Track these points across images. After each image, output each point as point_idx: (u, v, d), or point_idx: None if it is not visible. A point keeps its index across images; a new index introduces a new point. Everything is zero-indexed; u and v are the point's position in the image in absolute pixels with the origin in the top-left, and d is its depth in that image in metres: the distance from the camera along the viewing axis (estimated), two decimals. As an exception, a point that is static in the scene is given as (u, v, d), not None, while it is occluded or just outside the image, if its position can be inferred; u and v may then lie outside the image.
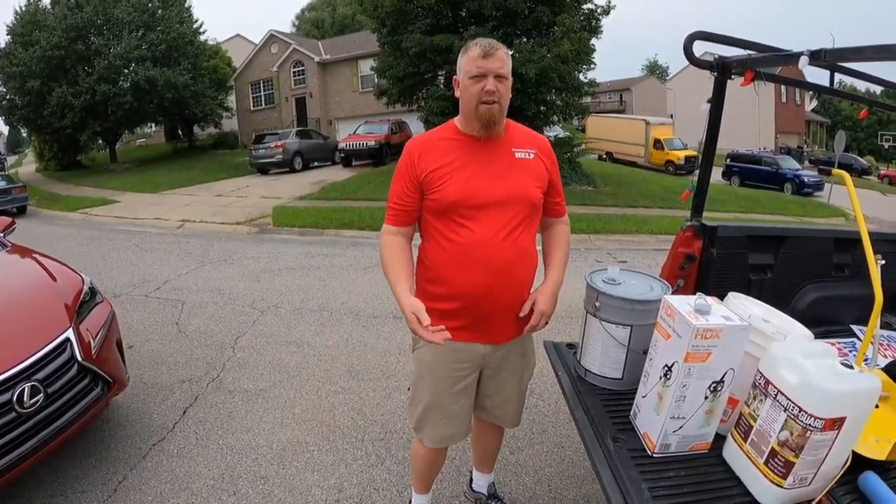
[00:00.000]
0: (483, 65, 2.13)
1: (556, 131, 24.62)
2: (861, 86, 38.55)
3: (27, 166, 40.30)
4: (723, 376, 1.95)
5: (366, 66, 31.26)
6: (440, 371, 2.45)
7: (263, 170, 24.21)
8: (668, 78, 67.28)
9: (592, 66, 18.50)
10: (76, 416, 3.26)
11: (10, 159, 56.00)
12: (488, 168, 2.26)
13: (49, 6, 28.66)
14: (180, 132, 40.71)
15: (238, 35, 46.90)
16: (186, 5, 31.91)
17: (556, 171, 2.48)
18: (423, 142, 2.37)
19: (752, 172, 29.02)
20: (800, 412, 1.71)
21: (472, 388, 2.54)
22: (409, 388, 2.71)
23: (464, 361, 2.44)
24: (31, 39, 26.71)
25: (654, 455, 2.07)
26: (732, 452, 2.00)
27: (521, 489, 3.45)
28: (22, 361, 3.03)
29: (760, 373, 1.91)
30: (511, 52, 13.54)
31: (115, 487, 3.46)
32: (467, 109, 2.24)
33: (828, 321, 3.46)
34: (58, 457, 3.65)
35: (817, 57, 2.40)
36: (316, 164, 25.97)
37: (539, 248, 2.48)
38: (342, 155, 24.92)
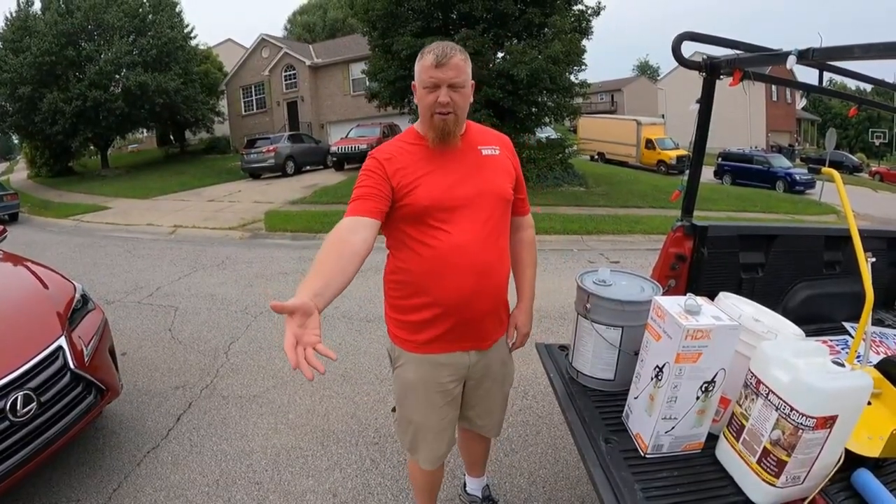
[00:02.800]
0: (435, 75, 2.08)
1: (548, 132, 24.66)
2: (851, 83, 38.77)
3: (19, 173, 40.14)
4: (714, 376, 1.96)
5: (357, 70, 31.26)
6: (426, 389, 2.40)
7: (255, 174, 24.22)
8: (659, 78, 67.48)
9: (583, 67, 18.50)
10: (69, 425, 3.25)
11: (2, 166, 55.86)
12: (458, 169, 2.22)
13: (39, 12, 28.50)
14: (172, 137, 40.57)
15: (229, 39, 46.86)
16: (177, 10, 31.76)
17: (519, 168, 2.46)
18: (388, 149, 2.29)
19: (743, 171, 29.11)
20: (791, 411, 1.71)
21: (457, 400, 2.51)
22: (393, 409, 2.66)
23: (448, 375, 2.39)
24: (22, 46, 26.56)
25: (647, 456, 2.07)
26: (725, 452, 2.01)
27: (515, 491, 3.45)
28: (15, 370, 3.02)
29: (751, 372, 1.91)
30: (502, 54, 13.56)
31: (109, 496, 3.45)
32: (424, 118, 2.21)
33: (820, 319, 3.47)
34: (51, 466, 3.65)
35: (805, 56, 2.41)
36: (308, 168, 26.00)
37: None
38: (334, 158, 24.89)
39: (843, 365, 1.78)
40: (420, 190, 2.17)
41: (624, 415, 2.32)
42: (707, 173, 26.74)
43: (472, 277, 2.19)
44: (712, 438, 2.10)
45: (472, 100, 2.24)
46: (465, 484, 3.30)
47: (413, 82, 2.25)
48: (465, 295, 2.20)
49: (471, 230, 2.18)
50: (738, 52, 2.96)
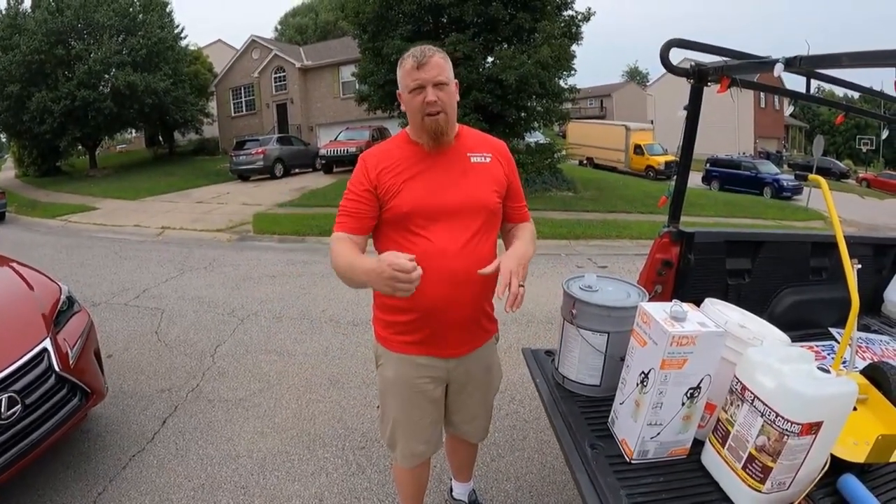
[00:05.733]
0: (418, 76, 2.10)
1: (537, 137, 24.71)
2: (839, 91, 38.97)
3: (6, 172, 39.92)
4: (699, 382, 1.96)
5: (347, 72, 31.21)
6: (404, 387, 2.42)
7: (244, 176, 24.16)
8: (648, 84, 67.78)
9: (573, 72, 18.55)
10: (54, 428, 3.24)
11: (-11, 165, 55.46)
12: (443, 175, 2.23)
13: (29, 10, 28.29)
14: (161, 138, 40.33)
15: (219, 40, 46.70)
16: (168, 10, 31.63)
17: (515, 175, 2.45)
18: (376, 152, 2.33)
19: (731, 177, 29.27)
20: (776, 417, 1.71)
21: (440, 403, 2.52)
22: (378, 406, 2.69)
23: (427, 376, 2.40)
24: (11, 43, 26.33)
25: (632, 461, 2.07)
26: (710, 458, 2.01)
27: (502, 496, 3.45)
28: (-2, 372, 3.00)
29: (737, 378, 1.91)
30: (492, 59, 13.57)
31: (94, 499, 3.43)
32: (414, 122, 2.22)
33: (806, 325, 3.49)
34: (36, 469, 3.62)
35: (792, 64, 2.42)
36: (297, 170, 25.97)
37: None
38: (323, 161, 24.94)
39: (828, 371, 1.79)
40: (402, 196, 2.19)
41: (609, 420, 2.32)
42: (695, 179, 26.88)
43: (449, 286, 2.19)
44: (698, 444, 2.10)
45: (457, 99, 2.25)
46: (451, 489, 3.29)
47: (398, 91, 2.25)
48: (440, 303, 2.21)
49: (450, 238, 2.19)
50: (726, 59, 2.97)
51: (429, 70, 2.09)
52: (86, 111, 27.07)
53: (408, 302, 2.21)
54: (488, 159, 2.32)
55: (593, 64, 56.72)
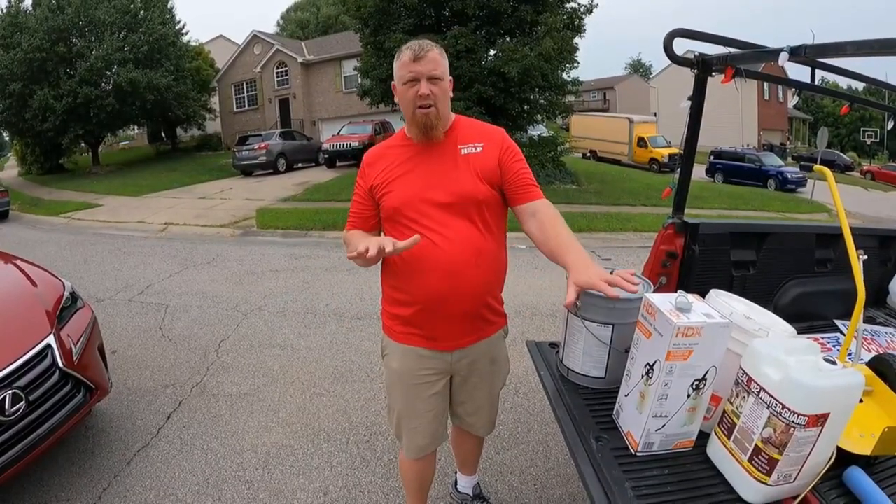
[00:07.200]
0: (414, 69, 2.12)
1: (541, 130, 24.69)
2: (843, 83, 38.91)
3: (9, 170, 39.99)
4: (705, 374, 1.95)
5: (349, 67, 31.24)
6: (408, 378, 2.44)
7: (247, 171, 24.20)
8: (651, 76, 67.64)
9: (576, 64, 18.54)
10: (58, 424, 3.23)
11: (-8, 163, 55.52)
12: (433, 170, 2.25)
13: (30, 8, 28.28)
14: (163, 134, 40.44)
15: (221, 36, 46.65)
16: (169, 6, 31.57)
17: (514, 159, 2.35)
18: (375, 151, 2.41)
19: (735, 169, 29.22)
20: (783, 409, 1.70)
21: (444, 394, 2.52)
22: (386, 396, 2.70)
23: (430, 368, 2.41)
24: (13, 42, 26.34)
25: (638, 454, 2.05)
26: (716, 450, 2.00)
27: (506, 489, 3.45)
28: (2, 369, 2.99)
29: (743, 370, 1.90)
30: (494, 52, 13.52)
31: (99, 495, 3.43)
32: (406, 115, 2.24)
33: (811, 316, 3.47)
34: (41, 465, 3.62)
35: (797, 53, 2.41)
36: (300, 165, 25.99)
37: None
38: (326, 156, 24.97)
39: (834, 363, 1.77)
40: (392, 193, 2.25)
41: (614, 413, 2.31)
42: (699, 171, 26.89)
43: (444, 279, 2.20)
44: (703, 436, 2.09)
45: (451, 95, 2.27)
46: (455, 482, 3.29)
47: (393, 83, 2.27)
48: (438, 296, 2.23)
49: (444, 232, 2.20)
50: (730, 49, 2.95)
51: (425, 64, 2.11)
52: (88, 108, 27.09)
53: (408, 297, 2.28)
54: (479, 149, 2.31)
55: (596, 56, 56.50)
